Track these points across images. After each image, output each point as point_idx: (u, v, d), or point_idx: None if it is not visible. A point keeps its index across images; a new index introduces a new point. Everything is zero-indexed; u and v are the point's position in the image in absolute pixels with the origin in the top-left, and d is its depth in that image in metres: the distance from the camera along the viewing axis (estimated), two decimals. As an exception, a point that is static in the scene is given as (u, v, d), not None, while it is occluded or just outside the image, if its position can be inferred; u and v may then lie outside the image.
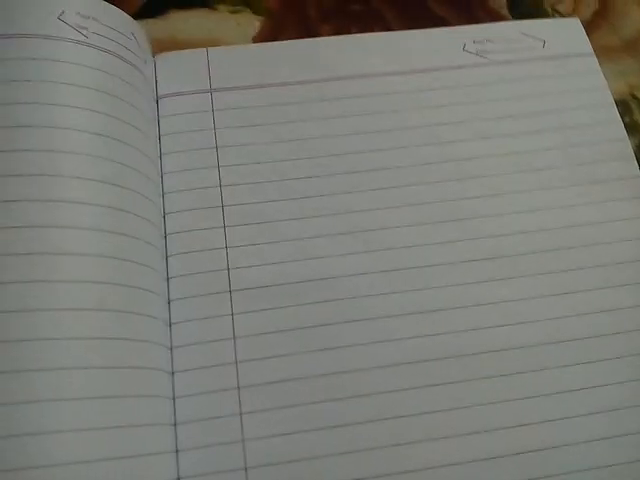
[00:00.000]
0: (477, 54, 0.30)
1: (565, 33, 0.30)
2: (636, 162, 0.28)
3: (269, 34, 0.31)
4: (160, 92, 0.28)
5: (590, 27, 0.31)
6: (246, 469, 0.22)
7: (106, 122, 0.24)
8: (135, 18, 0.27)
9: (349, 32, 0.31)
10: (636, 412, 0.24)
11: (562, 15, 0.32)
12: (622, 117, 0.29)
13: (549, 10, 0.32)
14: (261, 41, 0.30)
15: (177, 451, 0.22)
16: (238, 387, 0.23)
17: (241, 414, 0.23)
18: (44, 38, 0.24)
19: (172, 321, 0.24)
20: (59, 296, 0.20)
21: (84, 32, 0.24)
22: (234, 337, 0.24)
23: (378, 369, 0.24)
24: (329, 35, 0.30)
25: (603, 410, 0.24)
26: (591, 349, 0.24)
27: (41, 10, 0.24)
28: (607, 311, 0.25)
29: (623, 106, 0.30)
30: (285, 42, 0.29)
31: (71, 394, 0.20)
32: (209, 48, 0.29)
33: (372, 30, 0.31)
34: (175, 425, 0.23)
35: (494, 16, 0.32)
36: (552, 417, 0.23)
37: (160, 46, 0.29)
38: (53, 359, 0.20)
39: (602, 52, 0.31)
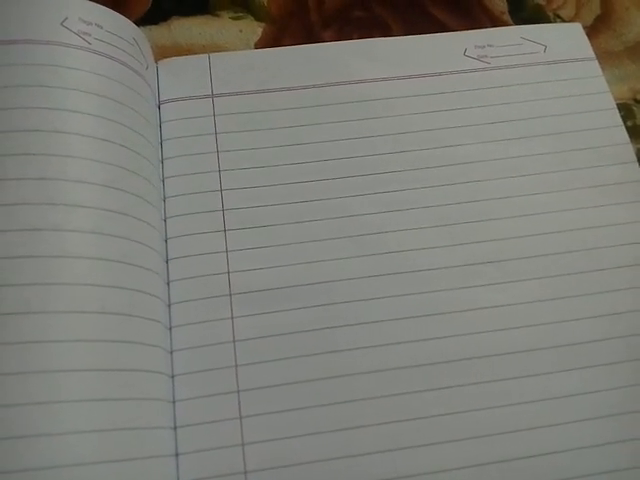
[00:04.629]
0: (478, 59, 0.30)
1: (566, 38, 0.30)
2: (638, 166, 0.28)
3: (271, 40, 0.31)
4: (162, 97, 0.28)
5: (592, 32, 0.31)
6: (245, 473, 0.22)
7: (108, 127, 0.24)
8: (138, 25, 0.27)
9: (351, 38, 0.31)
10: (632, 418, 0.23)
11: (564, 20, 0.32)
12: (625, 121, 0.29)
13: (551, 15, 0.32)
14: (263, 47, 0.30)
15: (177, 454, 0.22)
16: (238, 391, 0.23)
17: (241, 418, 0.23)
18: (47, 44, 0.24)
19: (172, 324, 0.24)
20: (61, 299, 0.21)
21: (87, 38, 0.25)
22: (234, 340, 0.24)
23: (378, 373, 0.24)
24: (331, 40, 0.30)
25: (600, 416, 0.23)
26: (589, 354, 0.24)
27: (44, 16, 0.24)
28: (606, 316, 0.25)
29: (626, 110, 0.30)
30: (286, 48, 0.30)
31: (72, 396, 0.20)
32: (211, 54, 0.29)
33: (374, 36, 0.31)
34: (175, 428, 0.23)
35: (495, 21, 0.32)
36: (549, 423, 0.23)
37: (163, 52, 0.30)
38: (54, 361, 0.20)
39: (604, 57, 0.31)
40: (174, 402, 0.23)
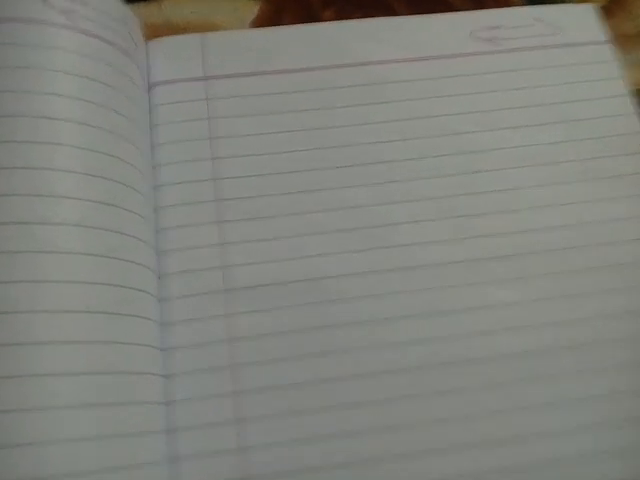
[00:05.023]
0: (487, 41, 0.28)
1: (579, 20, 0.29)
2: (653, 156, 0.27)
3: (268, 19, 0.29)
4: (153, 79, 0.27)
5: (606, 14, 0.30)
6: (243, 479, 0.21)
7: (95, 111, 0.22)
8: (127, 2, 0.26)
9: (352, 18, 0.29)
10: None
11: (576, 1, 0.31)
12: (638, 108, 0.28)
13: (562, -5, 0.31)
14: (259, 26, 0.29)
15: (172, 458, 0.21)
16: (234, 393, 0.22)
17: (237, 421, 0.22)
18: (28, 22, 0.22)
19: (165, 321, 0.23)
20: (45, 297, 0.19)
21: (71, 16, 0.23)
22: (229, 339, 0.23)
23: (381, 375, 0.22)
24: (331, 20, 0.29)
25: (616, 421, 0.22)
26: (604, 355, 0.23)
27: (25, -8, 0.23)
28: (621, 314, 0.24)
29: (639, 97, 0.28)
30: (285, 27, 0.28)
31: (59, 402, 0.18)
32: (204, 33, 0.27)
33: (376, 16, 0.29)
34: (169, 432, 0.21)
35: (505, 1, 0.30)
36: (560, 428, 0.22)
37: (154, 31, 0.28)
38: (39, 365, 0.19)
39: (618, 40, 0.29)
40: (168, 404, 0.22)
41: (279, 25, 0.29)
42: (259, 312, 0.23)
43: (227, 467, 0.21)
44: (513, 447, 0.22)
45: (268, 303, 0.23)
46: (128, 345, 0.21)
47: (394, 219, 0.25)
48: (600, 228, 0.25)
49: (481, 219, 0.25)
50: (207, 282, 0.24)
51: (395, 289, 0.24)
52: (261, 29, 0.28)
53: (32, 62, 0.22)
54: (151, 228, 0.24)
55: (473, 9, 0.30)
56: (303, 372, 0.22)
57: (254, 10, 0.29)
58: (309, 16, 0.30)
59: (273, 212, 0.25)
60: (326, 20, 0.29)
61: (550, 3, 0.30)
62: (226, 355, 0.23)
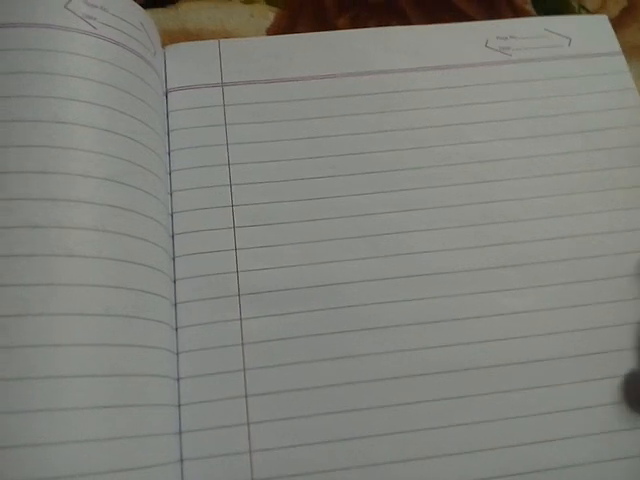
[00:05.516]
0: (500, 51, 0.28)
1: (592, 31, 0.29)
2: (664, 168, 0.27)
3: (284, 26, 0.29)
4: (170, 85, 0.27)
5: (618, 25, 0.30)
6: (253, 481, 0.21)
7: (113, 117, 0.23)
8: (144, 7, 0.26)
9: (366, 25, 0.30)
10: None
11: (589, 12, 0.31)
12: (650, 119, 0.28)
13: (576, 6, 0.31)
14: (275, 33, 0.29)
15: (182, 460, 0.21)
16: (246, 395, 0.22)
17: (248, 424, 0.22)
18: (50, 28, 0.22)
19: (179, 325, 0.23)
20: (63, 300, 0.20)
21: (92, 22, 0.23)
22: (242, 343, 0.23)
23: (391, 380, 0.23)
24: (346, 28, 0.29)
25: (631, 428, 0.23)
26: (611, 365, 0.23)
27: (47, -2, 0.23)
28: (632, 324, 0.24)
29: (651, 108, 0.28)
30: (301, 35, 0.28)
31: (74, 404, 0.19)
32: (221, 40, 0.28)
33: (390, 24, 0.29)
34: (180, 433, 0.22)
35: (518, 12, 0.30)
36: (565, 435, 0.22)
37: (170, 37, 0.28)
38: (56, 366, 0.19)
39: (630, 51, 0.29)
40: (179, 406, 0.22)
41: (294, 31, 0.29)
42: (273, 316, 0.23)
43: (239, 469, 0.21)
44: (520, 452, 0.22)
45: (282, 308, 0.24)
46: (143, 348, 0.21)
47: (407, 227, 0.25)
48: (617, 238, 0.25)
49: (494, 227, 0.25)
50: (221, 287, 0.24)
51: (406, 296, 0.24)
52: (277, 37, 0.28)
53: (51, 67, 0.22)
54: (167, 233, 0.24)
55: (486, 17, 0.30)
56: (316, 376, 0.23)
57: (269, 16, 0.30)
58: (324, 23, 0.30)
59: (288, 218, 0.25)
60: (341, 27, 0.29)
61: (563, 14, 0.30)
62: (240, 358, 0.23)
